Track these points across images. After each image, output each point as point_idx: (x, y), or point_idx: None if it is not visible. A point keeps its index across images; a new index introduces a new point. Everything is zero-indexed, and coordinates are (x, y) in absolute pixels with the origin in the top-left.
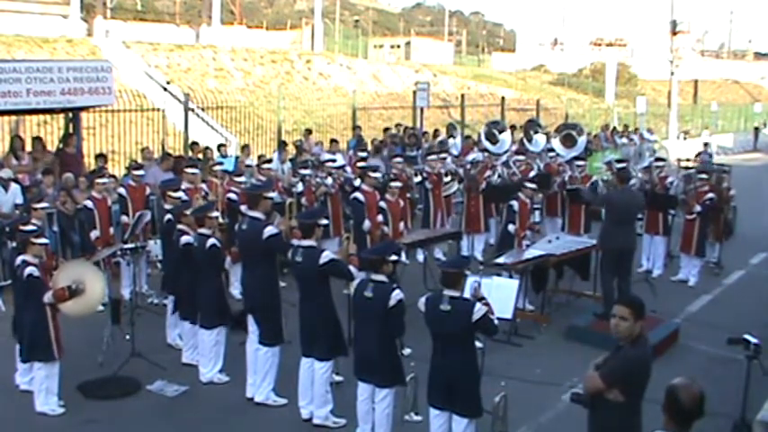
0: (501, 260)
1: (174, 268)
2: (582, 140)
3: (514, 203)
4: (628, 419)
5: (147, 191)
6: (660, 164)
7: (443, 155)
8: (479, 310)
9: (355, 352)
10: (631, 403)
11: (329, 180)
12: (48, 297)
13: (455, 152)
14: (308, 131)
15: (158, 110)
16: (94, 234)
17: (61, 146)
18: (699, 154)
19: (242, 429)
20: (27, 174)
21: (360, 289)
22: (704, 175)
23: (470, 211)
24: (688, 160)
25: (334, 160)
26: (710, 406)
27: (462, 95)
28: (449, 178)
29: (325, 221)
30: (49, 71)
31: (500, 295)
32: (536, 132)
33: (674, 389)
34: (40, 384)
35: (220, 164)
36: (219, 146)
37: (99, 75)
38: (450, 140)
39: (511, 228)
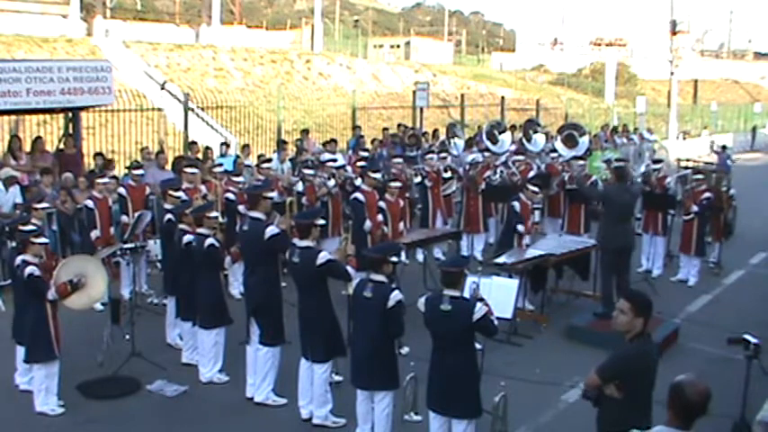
0: (501, 260)
1: (174, 268)
2: (584, 141)
3: (516, 204)
4: (627, 415)
5: (147, 191)
6: (657, 166)
7: (443, 154)
8: (480, 309)
9: (352, 356)
10: (631, 399)
11: (331, 182)
12: (51, 293)
13: (455, 152)
14: (305, 132)
15: (158, 110)
16: (95, 234)
17: (61, 146)
18: (719, 154)
19: (242, 429)
20: (26, 174)
21: (359, 289)
22: (700, 175)
23: (469, 211)
24: (695, 162)
25: (335, 160)
26: (711, 406)
27: (462, 95)
28: (448, 174)
29: (322, 222)
30: (48, 71)
31: (500, 295)
32: (535, 132)
33: (680, 385)
34: (40, 384)
35: (220, 165)
36: (222, 144)
37: (99, 74)
38: (454, 140)
39: (520, 228)
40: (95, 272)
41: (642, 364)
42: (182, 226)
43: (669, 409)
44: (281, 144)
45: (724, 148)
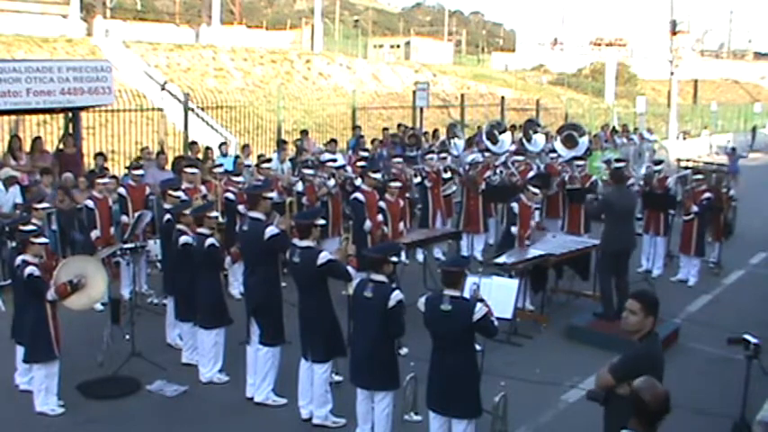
0: (501, 260)
1: (174, 268)
2: (583, 141)
3: (515, 206)
4: None
5: (147, 191)
6: (658, 168)
7: (443, 154)
8: (480, 310)
9: (352, 355)
10: None
11: (331, 182)
12: (51, 294)
13: (455, 152)
14: (304, 132)
15: (158, 110)
16: (95, 234)
17: (61, 146)
18: (729, 156)
19: (242, 429)
20: (26, 174)
21: (359, 289)
22: (700, 176)
23: (469, 211)
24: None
25: (335, 160)
26: (710, 406)
27: (462, 95)
28: (448, 174)
29: (322, 222)
30: (48, 71)
31: (500, 295)
32: (535, 132)
33: (638, 391)
34: (40, 384)
35: (220, 165)
36: (221, 144)
37: (99, 74)
38: (454, 140)
39: (513, 230)
40: (95, 272)
41: (654, 364)
42: (179, 226)
43: (633, 414)
44: (281, 144)
45: (734, 150)
